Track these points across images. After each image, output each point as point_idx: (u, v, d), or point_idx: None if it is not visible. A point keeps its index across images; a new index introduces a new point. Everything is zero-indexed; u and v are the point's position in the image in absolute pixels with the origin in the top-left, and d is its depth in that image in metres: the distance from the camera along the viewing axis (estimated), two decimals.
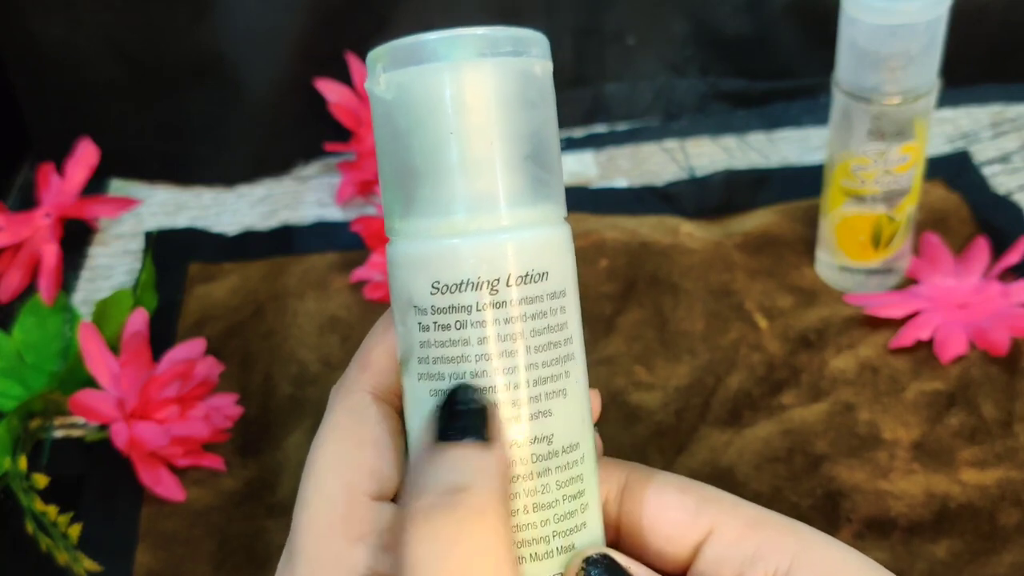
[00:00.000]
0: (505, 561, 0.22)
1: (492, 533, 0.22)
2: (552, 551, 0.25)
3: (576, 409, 0.26)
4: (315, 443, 0.26)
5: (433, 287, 0.25)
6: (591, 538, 0.25)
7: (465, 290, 0.24)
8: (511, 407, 0.25)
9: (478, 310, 0.24)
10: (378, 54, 0.25)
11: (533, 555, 0.24)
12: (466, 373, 0.24)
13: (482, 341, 0.24)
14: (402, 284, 0.25)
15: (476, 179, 0.24)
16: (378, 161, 0.26)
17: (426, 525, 0.22)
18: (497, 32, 0.25)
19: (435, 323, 0.25)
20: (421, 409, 0.25)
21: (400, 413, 0.27)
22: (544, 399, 0.25)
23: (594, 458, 0.26)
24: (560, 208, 0.26)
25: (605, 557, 0.25)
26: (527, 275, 0.25)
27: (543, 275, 0.25)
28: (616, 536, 0.27)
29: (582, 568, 0.24)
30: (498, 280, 0.24)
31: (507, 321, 0.24)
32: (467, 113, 0.24)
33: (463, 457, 0.23)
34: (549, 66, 0.26)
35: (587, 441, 0.26)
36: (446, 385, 0.25)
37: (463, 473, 0.23)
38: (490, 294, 0.24)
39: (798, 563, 0.25)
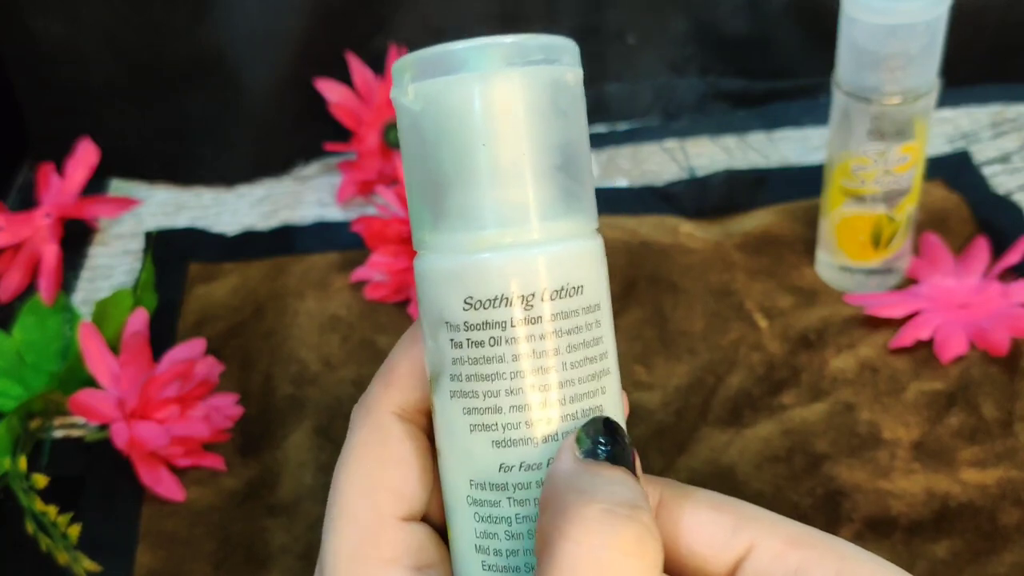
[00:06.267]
0: None
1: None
2: None
3: None
4: (339, 464, 0.26)
5: (466, 303, 0.24)
6: None
7: (499, 306, 0.24)
8: (547, 425, 0.24)
9: (512, 326, 0.24)
10: (405, 64, 0.25)
11: None
12: (500, 391, 0.24)
13: (516, 358, 0.24)
14: (433, 299, 0.25)
15: (509, 191, 0.24)
16: (404, 172, 0.25)
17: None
18: (527, 40, 0.24)
19: (468, 340, 0.24)
20: (453, 427, 0.25)
21: (425, 432, 0.26)
22: (581, 416, 0.25)
23: None
24: (592, 220, 0.26)
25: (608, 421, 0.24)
26: (562, 289, 0.24)
27: (578, 289, 0.24)
28: None
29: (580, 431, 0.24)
30: (533, 295, 0.24)
31: (542, 337, 0.24)
32: (498, 124, 0.24)
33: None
34: (580, 74, 0.25)
35: None
36: (480, 403, 0.24)
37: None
38: (524, 310, 0.24)
39: None
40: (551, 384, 0.24)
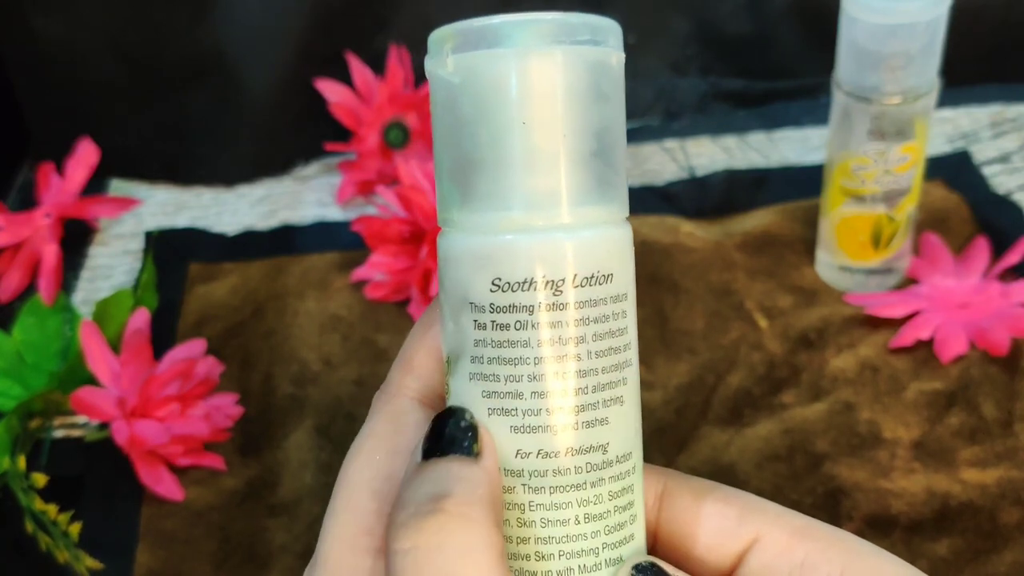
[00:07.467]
0: (493, 566, 0.22)
1: (476, 536, 0.22)
2: (601, 563, 0.24)
3: (631, 417, 0.25)
4: (351, 450, 0.26)
5: (493, 284, 0.23)
6: (637, 550, 0.25)
7: (528, 289, 0.23)
8: (568, 413, 0.24)
9: (539, 311, 0.23)
10: (446, 34, 0.24)
11: (582, 567, 0.24)
12: (523, 376, 0.24)
13: (541, 344, 0.23)
14: (457, 279, 0.24)
15: (542, 173, 0.23)
16: (435, 147, 0.25)
17: (407, 535, 0.22)
18: (573, 18, 0.24)
19: (493, 322, 0.24)
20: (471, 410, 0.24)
21: None
22: (602, 406, 0.24)
23: (642, 468, 0.26)
24: (623, 208, 0.25)
25: (653, 565, 0.24)
26: (592, 276, 0.24)
27: (608, 277, 0.24)
28: (654, 544, 0.26)
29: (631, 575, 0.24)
30: (563, 281, 0.23)
31: (568, 324, 0.24)
32: (539, 103, 0.23)
33: (445, 469, 0.23)
34: (623, 57, 0.25)
35: (638, 450, 0.25)
36: (501, 388, 0.24)
37: (444, 483, 0.22)
38: (553, 295, 0.23)
39: (847, 573, 0.25)
40: (574, 372, 0.24)
